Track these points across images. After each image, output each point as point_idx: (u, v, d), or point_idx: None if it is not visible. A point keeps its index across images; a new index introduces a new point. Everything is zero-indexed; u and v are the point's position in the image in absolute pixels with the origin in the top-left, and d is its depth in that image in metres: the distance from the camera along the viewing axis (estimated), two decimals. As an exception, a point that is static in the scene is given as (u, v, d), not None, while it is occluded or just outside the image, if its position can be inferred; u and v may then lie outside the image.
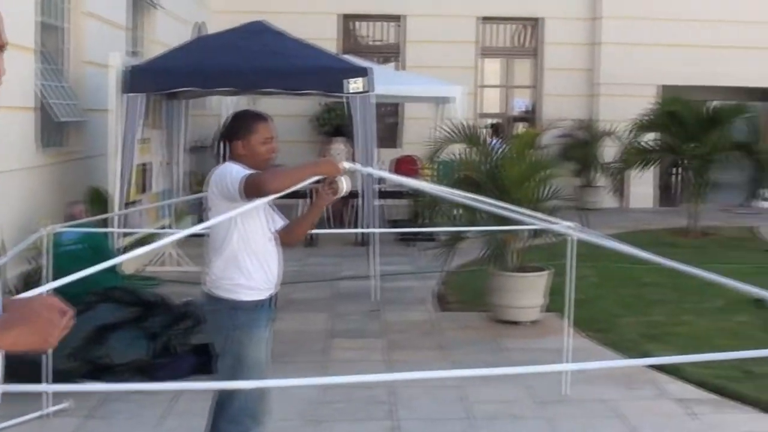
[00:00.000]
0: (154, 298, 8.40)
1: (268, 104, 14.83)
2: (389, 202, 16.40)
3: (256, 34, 11.53)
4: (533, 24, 23.69)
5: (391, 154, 19.57)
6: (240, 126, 5.22)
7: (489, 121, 22.36)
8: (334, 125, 19.01)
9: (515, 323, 10.00)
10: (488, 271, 10.31)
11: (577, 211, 16.31)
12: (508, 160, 10.28)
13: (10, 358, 2.41)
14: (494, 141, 18.74)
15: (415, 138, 20.62)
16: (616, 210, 21.32)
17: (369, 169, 8.79)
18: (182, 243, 12.17)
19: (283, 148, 5.35)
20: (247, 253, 5.05)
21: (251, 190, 4.81)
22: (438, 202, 10.24)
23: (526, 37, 24.06)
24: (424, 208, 12.21)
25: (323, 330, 9.73)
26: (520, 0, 22.90)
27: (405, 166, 18.27)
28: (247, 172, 4.92)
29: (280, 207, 5.41)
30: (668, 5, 22.56)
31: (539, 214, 7.01)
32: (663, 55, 22.44)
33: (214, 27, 19.29)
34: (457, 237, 10.46)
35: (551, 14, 23.21)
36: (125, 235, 11.22)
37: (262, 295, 5.11)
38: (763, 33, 22.76)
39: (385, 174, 8.89)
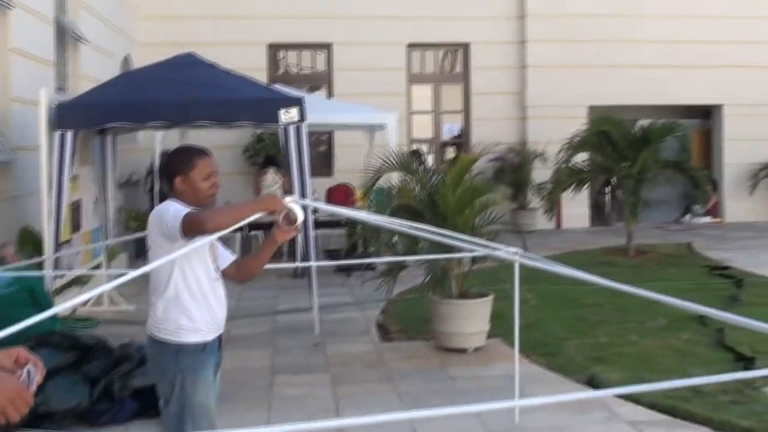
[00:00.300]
0: (91, 341, 8.16)
1: (198, 136, 14.67)
2: (325, 231, 16.29)
3: (187, 66, 11.34)
4: (461, 49, 23.77)
5: (324, 183, 19.44)
6: (179, 161, 5.03)
7: (411, 147, 22.37)
8: (266, 155, 18.85)
9: (460, 350, 9.88)
10: (430, 299, 10.20)
11: (517, 234, 16.42)
12: (445, 186, 10.17)
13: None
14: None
15: (347, 166, 20.61)
16: (551, 231, 21.45)
17: (314, 202, 8.63)
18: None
19: (216, 181, 5.17)
20: (189, 294, 4.88)
21: (190, 228, 4.63)
22: (378, 231, 10.13)
23: (455, 63, 24.12)
24: (363, 237, 12.13)
25: (266, 366, 9.54)
26: (447, 26, 22.99)
27: (339, 194, 18.16)
28: (187, 210, 4.75)
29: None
30: (593, 27, 22.85)
31: (481, 240, 6.92)
32: (591, 76, 22.73)
33: (140, 60, 19.14)
34: (399, 266, 10.33)
35: (478, 39, 23.33)
36: (57, 276, 10.94)
37: (206, 336, 4.94)
38: (688, 51, 23.11)
39: (329, 207, 8.73)
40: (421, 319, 11.04)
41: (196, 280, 4.90)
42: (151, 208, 16.56)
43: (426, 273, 10.21)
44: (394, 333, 11.09)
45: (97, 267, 12.68)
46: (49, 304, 8.66)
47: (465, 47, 23.64)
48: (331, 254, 16.66)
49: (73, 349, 7.95)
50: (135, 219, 16.60)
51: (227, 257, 5.22)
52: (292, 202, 4.73)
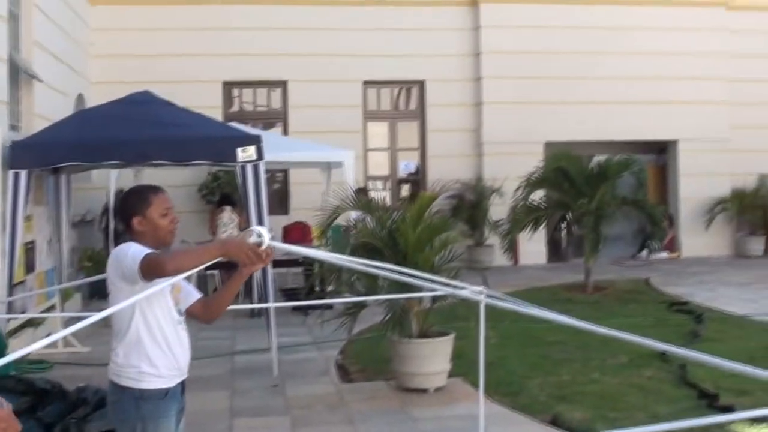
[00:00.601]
0: (47, 386, 7.96)
1: (154, 175, 14.50)
2: (281, 270, 16.14)
3: (143, 104, 11.21)
4: (417, 86, 23.79)
5: (280, 221, 19.30)
6: (134, 201, 4.91)
7: (366, 183, 22.30)
8: (222, 194, 18.69)
9: (421, 391, 9.75)
10: (390, 339, 10.07)
11: (476, 271, 16.33)
12: (405, 224, 10.07)
13: None
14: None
15: (303, 203, 20.50)
16: (508, 268, 21.41)
17: (274, 242, 8.39)
18: (71, 323, 11.68)
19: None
20: (151, 339, 4.74)
21: (150, 271, 4.49)
22: (338, 270, 10.02)
23: (410, 100, 24.14)
24: (321, 276, 12.03)
25: (224, 409, 9.36)
26: (402, 63, 23.04)
27: (296, 233, 18.04)
28: (146, 251, 4.61)
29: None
30: (548, 64, 22.99)
31: (444, 279, 6.82)
32: (546, 113, 22.82)
33: (93, 98, 18.96)
34: (360, 305, 10.20)
35: (433, 76, 23.39)
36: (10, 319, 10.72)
37: (169, 382, 4.80)
38: (643, 87, 23.31)
39: (290, 246, 8.53)
40: (380, 358, 10.92)
41: (157, 324, 4.76)
42: (106, 247, 16.52)
43: (386, 312, 10.09)
44: (354, 373, 10.94)
45: (51, 308, 12.46)
46: (3, 347, 8.48)
47: (421, 84, 23.67)
48: (288, 293, 16.53)
49: (27, 394, 7.75)
50: (89, 259, 16.39)
51: (193, 295, 5.08)
52: (258, 232, 4.52)
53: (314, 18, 22.65)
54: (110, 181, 16.58)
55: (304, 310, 14.89)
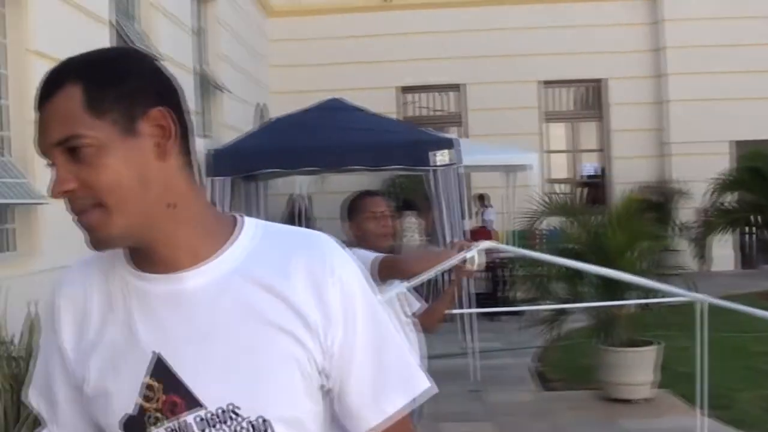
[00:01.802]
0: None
1: (335, 181, 14.54)
2: (468, 274, 15.96)
3: (334, 111, 11.28)
4: (596, 85, 23.31)
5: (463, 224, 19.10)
6: (345, 210, 5.03)
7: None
8: (404, 199, 18.60)
9: (627, 401, 9.42)
10: (595, 347, 9.77)
11: (675, 276, 15.85)
12: (612, 228, 9.74)
13: None
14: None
15: (485, 208, 20.31)
16: (697, 274, 20.68)
17: (498, 244, 8.19)
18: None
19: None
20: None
21: (389, 271, 4.55)
22: (541, 276, 9.82)
23: (590, 99, 23.67)
24: (515, 282, 11.84)
25: (427, 413, 9.21)
26: (581, 62, 22.56)
27: (481, 236, 17.83)
28: (379, 255, 4.62)
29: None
30: (735, 58, 21.93)
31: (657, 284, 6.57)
32: (734, 110, 21.79)
33: (274, 108, 19.16)
34: (564, 312, 9.94)
35: (614, 74, 22.83)
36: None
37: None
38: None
39: (520, 250, 8.26)
40: (580, 367, 10.65)
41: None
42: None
43: (591, 319, 9.83)
44: (553, 382, 10.68)
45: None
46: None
47: (601, 83, 23.18)
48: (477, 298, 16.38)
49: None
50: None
51: (416, 304, 5.10)
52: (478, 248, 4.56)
53: (489, 19, 22.44)
54: (298, 187, 16.74)
55: (490, 316, 14.72)
